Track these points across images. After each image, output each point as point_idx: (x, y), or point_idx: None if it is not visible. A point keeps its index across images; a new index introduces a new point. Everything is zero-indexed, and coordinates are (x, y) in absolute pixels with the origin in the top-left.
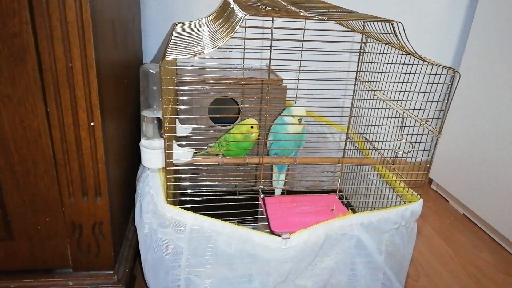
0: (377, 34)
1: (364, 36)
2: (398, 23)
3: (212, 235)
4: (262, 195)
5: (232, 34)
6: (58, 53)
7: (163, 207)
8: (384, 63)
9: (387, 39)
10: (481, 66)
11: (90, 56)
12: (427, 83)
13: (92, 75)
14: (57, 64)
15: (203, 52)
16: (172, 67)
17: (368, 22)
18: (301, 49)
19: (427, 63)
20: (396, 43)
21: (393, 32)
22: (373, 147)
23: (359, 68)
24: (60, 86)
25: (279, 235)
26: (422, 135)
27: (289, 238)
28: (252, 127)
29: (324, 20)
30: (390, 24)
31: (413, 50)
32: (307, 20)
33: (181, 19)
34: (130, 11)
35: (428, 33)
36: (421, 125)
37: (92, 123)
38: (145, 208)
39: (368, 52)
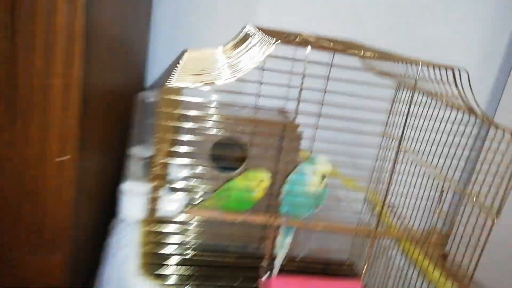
0: (428, 81)
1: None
2: (461, 70)
3: None
4: (265, 277)
5: (261, 58)
6: (37, 65)
7: (134, 279)
8: (425, 120)
9: (437, 90)
10: None
11: (76, 75)
12: (480, 149)
13: (73, 98)
14: (33, 79)
15: (220, 80)
16: (175, 97)
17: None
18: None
19: (493, 126)
20: (452, 95)
21: (454, 82)
22: (398, 219)
23: (389, 121)
24: (34, 106)
25: None
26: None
27: None
28: (262, 181)
29: (373, 57)
30: (449, 70)
31: (478, 105)
32: (349, 56)
33: (195, 46)
34: (137, 32)
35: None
36: (473, 203)
37: (62, 158)
38: (113, 275)
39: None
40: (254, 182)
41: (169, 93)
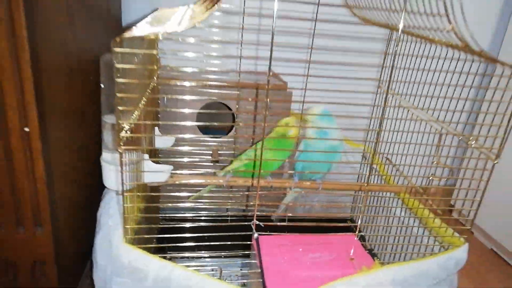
0: (419, 15)
1: (393, 31)
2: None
3: None
4: (255, 234)
5: (218, 4)
6: None
7: (118, 247)
8: (417, 56)
9: (430, 25)
10: None
11: (21, 34)
12: (479, 88)
13: (24, 62)
14: None
15: (175, 31)
16: (133, 50)
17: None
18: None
19: (489, 60)
20: (444, 29)
21: (445, 13)
22: (397, 171)
23: (385, 63)
24: None
25: None
26: (469, 158)
27: None
28: (287, 123)
29: None
30: (440, 1)
31: (473, 39)
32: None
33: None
34: None
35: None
36: (468, 145)
37: (26, 128)
38: (99, 245)
39: (400, 40)
40: (283, 129)
41: (128, 44)
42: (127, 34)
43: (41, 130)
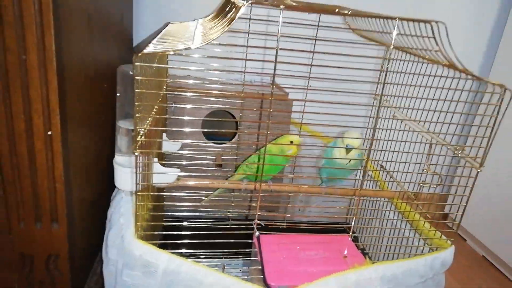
0: (411, 36)
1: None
2: (440, 23)
3: (191, 284)
4: (257, 233)
5: (230, 25)
6: (9, 41)
7: (130, 242)
8: (410, 73)
9: (420, 46)
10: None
11: (50, 47)
12: (465, 102)
13: (51, 72)
14: (7, 55)
15: (189, 47)
16: (152, 64)
17: (400, 25)
18: (311, 58)
19: (472, 78)
20: (432, 49)
21: (433, 36)
22: (391, 178)
23: (380, 79)
24: (10, 84)
25: None
26: (457, 166)
27: None
28: (292, 142)
29: (347, 14)
30: (428, 25)
31: (458, 59)
32: (321, 14)
33: (179, 20)
34: (116, 8)
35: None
36: (455, 155)
37: (49, 132)
38: (111, 241)
39: (393, 59)
40: (286, 142)
41: (145, 60)
42: (147, 50)
43: (63, 134)
